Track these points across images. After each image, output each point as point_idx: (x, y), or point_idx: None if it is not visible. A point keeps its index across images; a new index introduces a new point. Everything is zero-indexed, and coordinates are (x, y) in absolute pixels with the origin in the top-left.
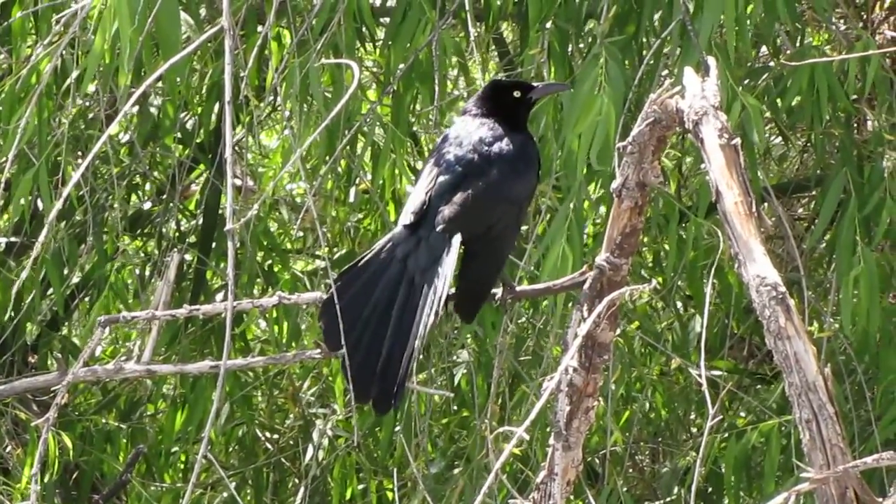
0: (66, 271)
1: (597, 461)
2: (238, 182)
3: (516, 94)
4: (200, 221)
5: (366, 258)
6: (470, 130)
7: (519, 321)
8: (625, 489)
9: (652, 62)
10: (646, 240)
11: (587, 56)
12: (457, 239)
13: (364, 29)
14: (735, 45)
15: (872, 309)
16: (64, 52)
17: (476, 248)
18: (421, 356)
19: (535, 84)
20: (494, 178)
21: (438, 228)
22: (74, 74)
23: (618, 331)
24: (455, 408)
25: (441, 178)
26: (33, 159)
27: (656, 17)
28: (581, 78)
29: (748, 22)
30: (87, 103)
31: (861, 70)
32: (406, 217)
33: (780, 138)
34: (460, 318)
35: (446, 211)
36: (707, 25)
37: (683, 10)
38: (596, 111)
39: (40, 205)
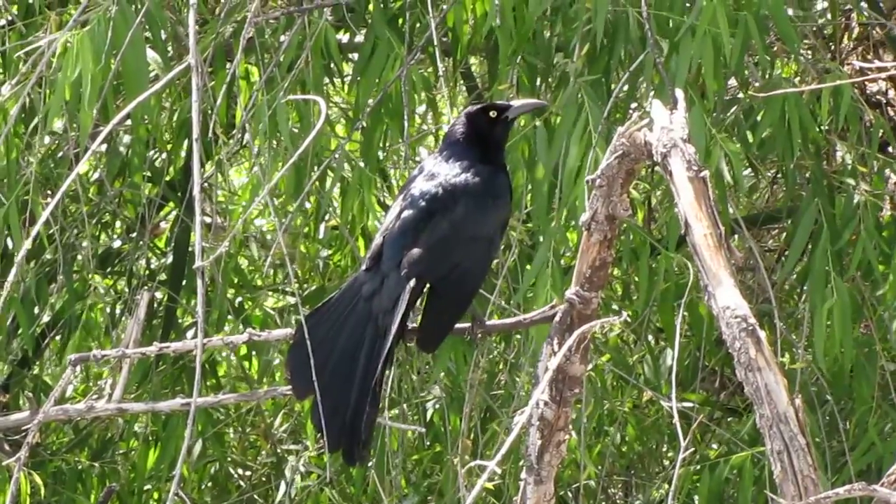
0: (36, 310)
1: (569, 495)
2: (208, 220)
3: (492, 113)
4: (171, 259)
5: (332, 299)
6: (439, 163)
7: (490, 356)
8: None
9: (622, 94)
10: (616, 272)
11: (559, 93)
12: (409, 287)
13: (332, 65)
14: (713, 86)
15: (846, 341)
16: (31, 92)
17: (441, 287)
18: (392, 394)
19: (511, 103)
20: (459, 215)
21: (402, 272)
22: (41, 114)
23: (589, 365)
24: (428, 443)
25: (405, 214)
26: (2, 199)
27: (626, 50)
28: (561, 123)
29: (725, 61)
30: (57, 141)
31: (835, 101)
32: (365, 262)
33: (749, 170)
34: (421, 349)
35: (411, 253)
36: (683, 68)
37: (654, 49)
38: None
39: (10, 244)
